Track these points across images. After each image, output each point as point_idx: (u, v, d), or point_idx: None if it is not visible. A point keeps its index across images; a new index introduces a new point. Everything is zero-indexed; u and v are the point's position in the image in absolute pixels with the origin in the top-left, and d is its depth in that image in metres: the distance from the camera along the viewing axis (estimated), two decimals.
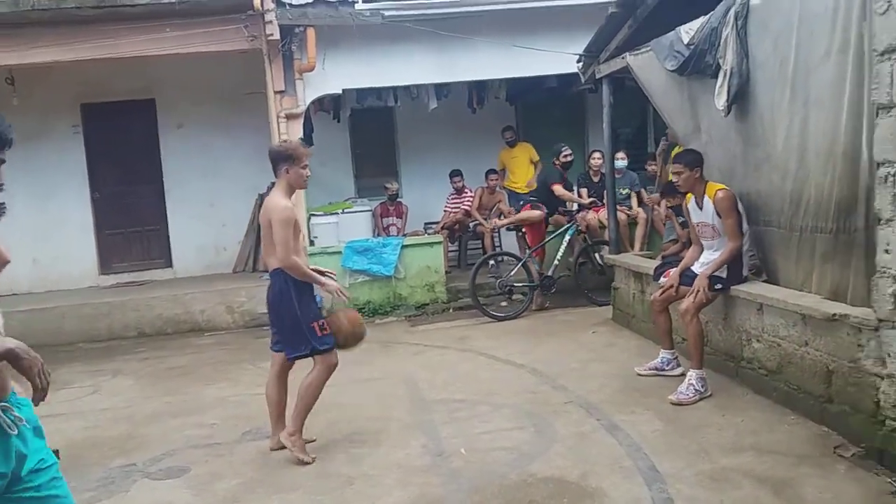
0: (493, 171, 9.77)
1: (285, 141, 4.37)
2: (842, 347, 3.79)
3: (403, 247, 8.66)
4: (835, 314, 3.78)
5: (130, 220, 9.86)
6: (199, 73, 9.04)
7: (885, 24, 3.27)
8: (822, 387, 3.98)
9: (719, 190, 4.75)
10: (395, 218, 9.72)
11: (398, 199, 9.77)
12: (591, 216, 8.41)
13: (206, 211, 9.86)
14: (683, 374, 4.87)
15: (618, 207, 7.57)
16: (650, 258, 6.82)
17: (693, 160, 4.87)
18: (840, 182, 3.86)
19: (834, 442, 3.77)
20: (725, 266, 4.77)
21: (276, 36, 7.63)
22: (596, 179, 8.61)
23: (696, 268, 4.98)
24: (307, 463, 4.06)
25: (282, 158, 4.16)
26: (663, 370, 5.14)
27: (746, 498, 3.29)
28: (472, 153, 10.33)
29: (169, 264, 9.95)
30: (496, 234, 9.76)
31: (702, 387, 4.65)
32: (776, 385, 4.42)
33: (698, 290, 4.70)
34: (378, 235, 9.31)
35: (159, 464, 4.27)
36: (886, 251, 3.36)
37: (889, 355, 3.42)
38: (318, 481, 3.87)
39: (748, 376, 4.75)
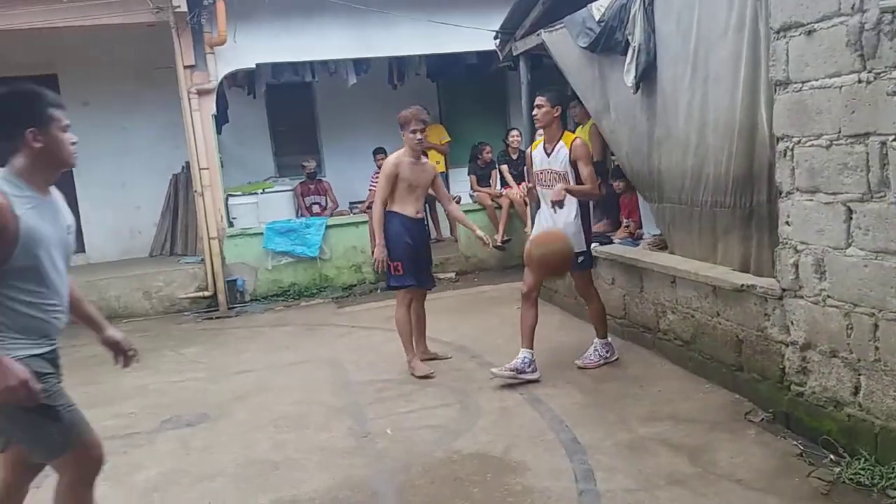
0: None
1: (408, 108, 5.16)
2: (750, 317, 3.96)
3: (328, 227, 8.55)
4: (742, 285, 3.94)
5: None
6: (104, 47, 8.60)
7: (779, 2, 3.38)
8: (734, 355, 4.15)
9: (578, 138, 4.79)
10: (317, 196, 9.55)
11: (318, 178, 9.60)
12: (514, 192, 8.52)
13: (118, 193, 9.45)
14: (538, 380, 4.69)
15: None
16: None
17: (556, 97, 4.78)
18: (738, 157, 4.00)
19: (745, 408, 3.95)
20: (582, 233, 4.80)
21: (184, 8, 7.33)
22: (514, 157, 8.70)
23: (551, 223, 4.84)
24: (431, 376, 4.98)
25: (399, 125, 5.08)
26: (524, 372, 4.69)
27: (663, 465, 3.42)
28: (395, 130, 10.13)
29: (81, 249, 9.48)
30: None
31: (607, 352, 4.92)
32: (691, 355, 4.60)
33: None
34: (301, 215, 9.15)
35: None
36: (787, 223, 3.52)
37: (792, 323, 3.59)
38: (242, 468, 3.82)
39: (665, 347, 4.92)
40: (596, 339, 4.96)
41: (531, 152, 5.02)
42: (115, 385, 5.47)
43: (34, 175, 2.38)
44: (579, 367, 4.85)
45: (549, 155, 4.81)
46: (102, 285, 8.06)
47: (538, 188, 4.90)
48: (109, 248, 9.48)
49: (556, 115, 4.73)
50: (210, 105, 8.09)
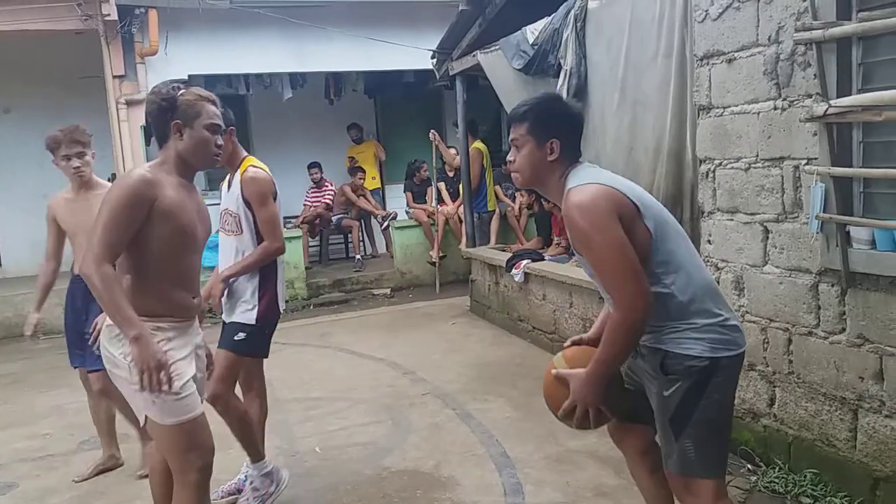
0: (360, 168, 9.75)
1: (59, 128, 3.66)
2: None
3: None
4: None
5: None
6: (29, 53, 8.30)
7: (703, 31, 3.54)
8: None
9: (253, 166, 3.31)
10: None
11: None
12: (449, 209, 8.59)
13: (39, 204, 8.94)
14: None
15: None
16: (503, 251, 7.04)
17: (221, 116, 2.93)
18: (667, 178, 4.14)
19: None
20: (255, 307, 3.31)
21: (114, 16, 7.16)
22: (451, 175, 8.78)
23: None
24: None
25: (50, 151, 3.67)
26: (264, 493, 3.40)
27: (590, 478, 3.47)
28: (331, 145, 10.21)
29: None
30: (361, 229, 9.74)
31: (271, 483, 3.41)
32: None
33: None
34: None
35: None
36: (709, 241, 3.65)
37: None
38: None
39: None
40: (248, 467, 3.43)
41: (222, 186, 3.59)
42: (29, 405, 5.23)
43: None
44: None
45: (229, 189, 3.40)
46: (19, 301, 7.71)
47: (220, 234, 3.46)
48: (28, 262, 9.05)
49: (233, 139, 3.27)
50: (139, 116, 7.87)
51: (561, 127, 2.26)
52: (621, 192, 2.11)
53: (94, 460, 4.03)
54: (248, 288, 3.33)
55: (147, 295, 2.37)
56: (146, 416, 2.37)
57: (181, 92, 2.46)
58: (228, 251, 3.38)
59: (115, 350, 2.37)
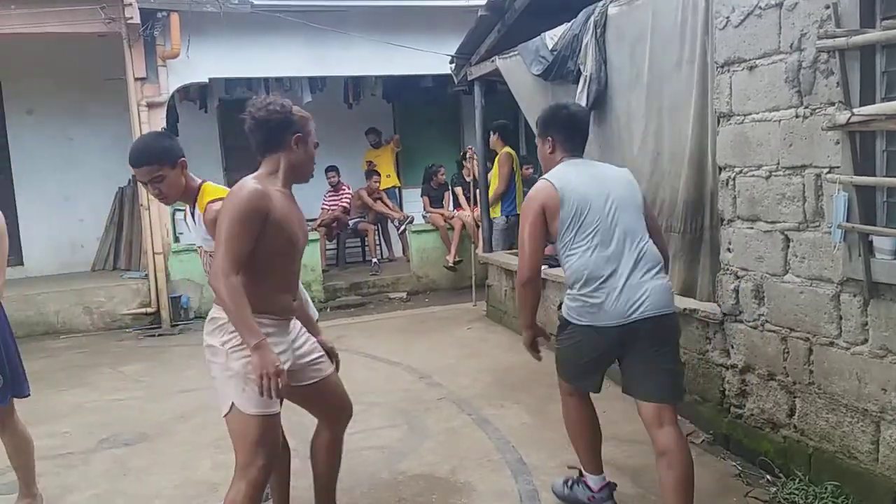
0: (376, 172, 9.79)
1: None
2: (692, 340, 4.05)
3: None
4: (685, 309, 4.03)
5: None
6: (52, 55, 8.41)
7: (724, 38, 3.52)
8: None
9: (215, 201, 2.82)
10: None
11: None
12: (466, 214, 8.60)
13: (60, 205, 9.19)
14: None
15: None
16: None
17: (167, 150, 2.86)
18: (688, 185, 4.11)
19: (687, 430, 4.01)
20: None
21: (137, 19, 7.24)
22: (468, 179, 8.79)
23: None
24: None
25: None
26: None
27: None
28: (349, 149, 10.25)
29: (19, 262, 9.18)
30: (378, 232, 9.78)
31: None
32: None
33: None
34: None
35: (2, 478, 3.95)
36: (729, 249, 3.63)
37: (732, 347, 3.69)
38: (180, 489, 3.72)
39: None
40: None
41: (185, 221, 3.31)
42: (49, 403, 5.28)
43: None
44: None
45: (195, 222, 3.06)
46: (41, 300, 7.80)
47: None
48: (49, 262, 9.19)
49: (184, 171, 2.91)
50: (160, 118, 7.96)
51: (554, 127, 3.06)
52: (556, 188, 2.86)
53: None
54: None
55: (253, 295, 2.49)
56: (230, 405, 2.53)
57: (292, 108, 2.67)
58: None
59: (215, 340, 2.55)
